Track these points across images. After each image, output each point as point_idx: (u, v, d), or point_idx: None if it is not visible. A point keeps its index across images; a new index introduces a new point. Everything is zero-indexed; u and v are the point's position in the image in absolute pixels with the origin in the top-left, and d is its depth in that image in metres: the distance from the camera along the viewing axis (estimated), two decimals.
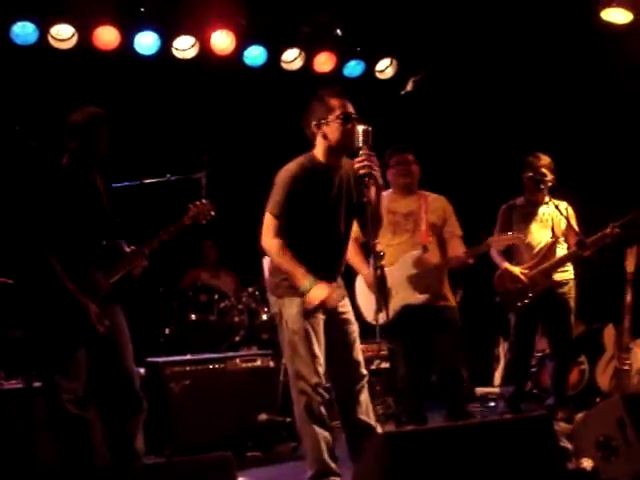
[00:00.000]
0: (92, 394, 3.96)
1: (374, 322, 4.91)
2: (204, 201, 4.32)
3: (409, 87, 7.35)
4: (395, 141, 5.32)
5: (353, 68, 7.17)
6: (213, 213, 4.32)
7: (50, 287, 3.76)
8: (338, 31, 6.81)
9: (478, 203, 6.79)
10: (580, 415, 4.76)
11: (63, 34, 6.09)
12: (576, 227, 5.46)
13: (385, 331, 4.82)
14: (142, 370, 5.22)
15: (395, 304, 4.88)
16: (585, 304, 5.71)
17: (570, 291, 5.52)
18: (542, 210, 5.58)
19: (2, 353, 4.88)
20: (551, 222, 5.56)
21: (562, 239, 5.55)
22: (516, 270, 5.42)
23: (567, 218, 5.43)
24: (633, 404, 3.58)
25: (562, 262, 5.46)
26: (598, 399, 5.58)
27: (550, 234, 5.54)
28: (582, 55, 6.61)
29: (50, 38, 6.07)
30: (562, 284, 5.49)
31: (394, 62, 7.29)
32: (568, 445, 3.85)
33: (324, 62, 7.00)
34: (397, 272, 4.96)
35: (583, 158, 6.54)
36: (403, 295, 4.97)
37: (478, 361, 7.18)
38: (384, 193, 5.27)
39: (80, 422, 3.82)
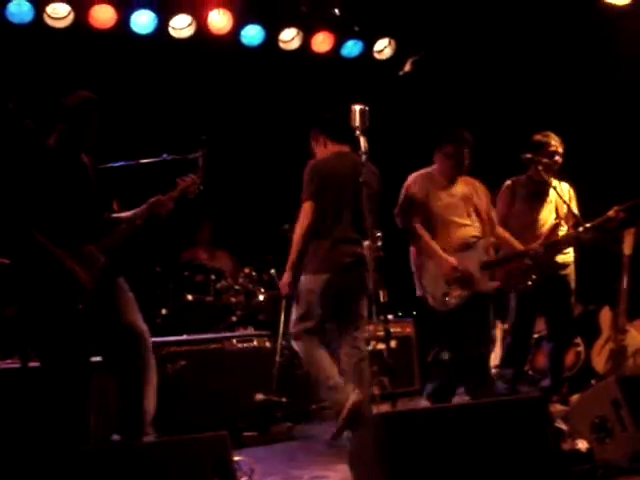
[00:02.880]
0: (106, 364, 4.00)
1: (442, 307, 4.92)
2: (192, 175, 4.31)
3: (407, 68, 7.31)
4: (392, 122, 5.30)
5: (351, 48, 7.13)
6: (201, 188, 4.31)
7: (41, 263, 3.75)
8: (336, 10, 6.76)
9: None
10: (575, 397, 4.78)
11: (59, 12, 6.05)
12: (576, 209, 5.43)
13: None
14: None
15: (468, 290, 4.90)
16: (582, 286, 5.70)
17: (571, 273, 5.50)
18: (547, 190, 5.52)
19: None
20: (555, 203, 5.51)
21: (563, 221, 5.51)
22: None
23: (567, 201, 5.40)
24: (628, 386, 3.59)
25: (566, 244, 5.42)
26: (593, 381, 5.60)
27: (554, 215, 5.50)
28: (582, 35, 6.57)
29: (46, 17, 6.03)
30: (564, 266, 5.47)
31: (392, 42, 7.25)
32: (563, 426, 3.86)
33: (322, 42, 6.96)
34: (472, 257, 4.94)
35: (583, 139, 6.52)
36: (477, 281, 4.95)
37: None
38: (426, 172, 5.20)
39: (81, 402, 3.81)
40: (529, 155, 5.36)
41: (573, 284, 5.52)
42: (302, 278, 4.75)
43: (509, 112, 6.95)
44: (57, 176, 3.85)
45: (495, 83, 7.12)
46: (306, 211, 4.69)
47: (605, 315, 5.86)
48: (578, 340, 6.15)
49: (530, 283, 5.35)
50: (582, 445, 3.62)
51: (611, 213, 5.18)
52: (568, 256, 5.49)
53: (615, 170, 6.39)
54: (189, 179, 4.27)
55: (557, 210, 5.50)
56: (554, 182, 5.41)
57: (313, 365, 4.73)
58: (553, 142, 5.41)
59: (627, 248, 5.56)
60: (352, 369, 4.69)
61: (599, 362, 5.80)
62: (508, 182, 5.62)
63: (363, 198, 4.22)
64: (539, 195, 5.50)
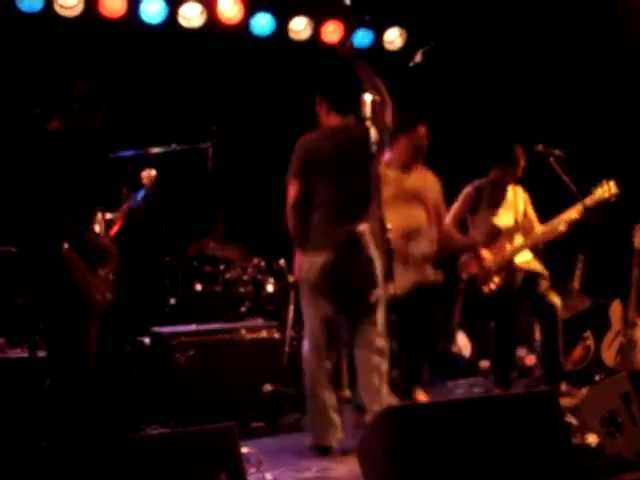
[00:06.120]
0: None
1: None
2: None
3: (418, 58, 7.27)
4: (403, 112, 5.26)
5: (362, 38, 7.10)
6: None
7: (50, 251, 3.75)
8: (347, 0, 6.72)
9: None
10: (585, 390, 4.77)
11: (69, 2, 6.02)
12: (532, 212, 5.52)
13: None
14: (147, 340, 5.24)
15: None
16: (592, 279, 5.68)
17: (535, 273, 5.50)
18: (508, 195, 5.55)
19: (7, 321, 4.89)
20: (513, 207, 5.54)
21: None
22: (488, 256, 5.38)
23: (523, 205, 5.50)
24: (639, 380, 3.57)
25: (563, 227, 5.40)
26: (603, 374, 5.58)
27: (512, 220, 5.52)
28: (592, 27, 6.53)
29: (56, 6, 6.00)
30: (521, 269, 5.47)
31: (403, 32, 7.21)
32: (573, 421, 3.85)
33: (332, 31, 6.92)
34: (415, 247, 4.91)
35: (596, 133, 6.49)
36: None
37: (480, 335, 7.17)
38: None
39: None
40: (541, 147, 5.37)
41: (539, 280, 5.47)
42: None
43: (520, 103, 6.92)
44: (64, 163, 3.82)
45: (506, 74, 7.08)
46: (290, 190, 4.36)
47: (615, 309, 5.83)
48: (588, 334, 6.13)
49: (493, 287, 5.34)
50: (592, 439, 3.61)
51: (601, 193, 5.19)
52: (524, 257, 5.49)
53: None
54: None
55: (515, 214, 5.54)
56: (512, 187, 5.49)
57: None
58: (521, 156, 5.43)
59: (638, 241, 5.56)
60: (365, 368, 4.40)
61: (609, 356, 5.78)
62: (470, 188, 5.58)
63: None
64: (504, 199, 5.53)
